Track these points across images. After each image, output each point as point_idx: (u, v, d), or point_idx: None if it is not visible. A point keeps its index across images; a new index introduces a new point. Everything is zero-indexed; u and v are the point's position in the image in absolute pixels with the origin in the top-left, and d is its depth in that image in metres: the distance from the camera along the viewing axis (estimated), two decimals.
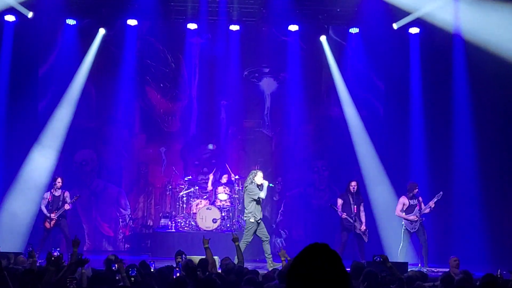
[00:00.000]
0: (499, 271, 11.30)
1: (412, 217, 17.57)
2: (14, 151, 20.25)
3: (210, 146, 21.87)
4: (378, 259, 10.54)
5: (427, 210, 17.61)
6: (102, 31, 21.17)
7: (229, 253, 13.24)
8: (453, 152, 20.57)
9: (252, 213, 16.05)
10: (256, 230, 16.18)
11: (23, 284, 8.64)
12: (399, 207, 17.84)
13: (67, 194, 18.37)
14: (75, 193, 19.19)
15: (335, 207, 18.00)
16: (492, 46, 19.41)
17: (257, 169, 17.66)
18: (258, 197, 16.14)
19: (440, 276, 10.30)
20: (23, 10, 20.03)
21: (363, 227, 17.86)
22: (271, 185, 16.73)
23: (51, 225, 17.91)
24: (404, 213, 17.69)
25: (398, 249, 17.67)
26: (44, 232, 18.09)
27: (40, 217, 18.49)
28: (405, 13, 20.38)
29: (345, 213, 17.82)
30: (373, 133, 21.42)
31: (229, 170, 20.78)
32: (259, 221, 16.24)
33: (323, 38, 21.64)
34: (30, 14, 20.14)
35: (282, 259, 12.24)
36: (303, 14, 21.09)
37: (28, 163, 20.25)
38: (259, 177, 16.26)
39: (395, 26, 20.80)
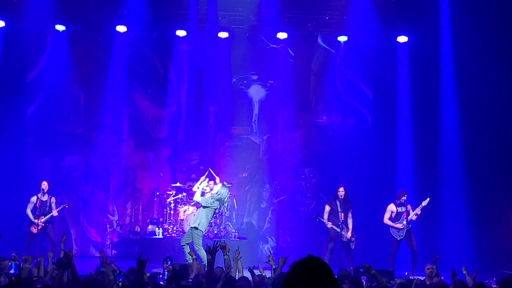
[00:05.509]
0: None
1: (398, 225, 17.66)
2: (2, 156, 20.21)
3: None
4: (361, 269, 10.59)
5: (414, 217, 17.70)
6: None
7: (216, 260, 13.23)
8: (440, 160, 20.71)
9: None
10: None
11: None
12: (387, 215, 17.90)
13: (53, 199, 18.38)
14: (62, 199, 19.20)
15: (321, 218, 18.00)
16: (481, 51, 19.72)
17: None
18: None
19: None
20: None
21: (349, 234, 17.87)
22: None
23: (38, 230, 17.88)
24: (391, 221, 17.78)
25: (386, 257, 17.75)
26: (30, 237, 18.06)
27: (25, 222, 18.44)
28: (393, 22, 20.57)
29: (330, 223, 17.86)
30: (361, 141, 21.53)
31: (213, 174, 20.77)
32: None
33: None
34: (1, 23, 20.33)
35: (272, 264, 12.19)
36: (292, 22, 21.16)
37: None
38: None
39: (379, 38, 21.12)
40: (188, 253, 15.78)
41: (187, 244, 16.57)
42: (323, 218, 17.98)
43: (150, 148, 22.11)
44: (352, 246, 17.94)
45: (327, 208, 18.11)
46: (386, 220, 17.89)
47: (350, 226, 17.96)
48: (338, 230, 17.73)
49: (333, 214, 17.93)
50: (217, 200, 16.83)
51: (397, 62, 21.32)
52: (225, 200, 17.12)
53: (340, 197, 17.90)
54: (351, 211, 18.12)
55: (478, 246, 19.53)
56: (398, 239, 17.73)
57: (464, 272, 11.67)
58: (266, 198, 22.05)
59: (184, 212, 20.18)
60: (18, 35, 20.46)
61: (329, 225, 17.85)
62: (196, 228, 16.62)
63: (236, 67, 22.14)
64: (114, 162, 21.97)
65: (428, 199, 17.67)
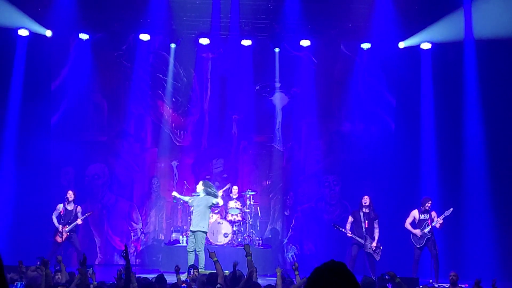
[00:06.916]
0: None
1: (417, 231, 17.49)
2: (27, 164, 20.31)
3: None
4: (386, 277, 10.55)
5: (437, 225, 17.54)
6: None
7: (240, 268, 13.22)
8: (465, 167, 20.55)
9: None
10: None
11: None
12: (409, 219, 17.75)
13: (79, 209, 18.39)
14: (87, 207, 19.26)
15: (339, 227, 17.87)
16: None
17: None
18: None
19: None
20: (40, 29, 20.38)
21: (374, 245, 17.71)
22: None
23: (62, 240, 17.91)
24: (411, 227, 17.64)
25: (409, 264, 17.64)
26: (54, 245, 18.09)
27: (50, 230, 18.49)
28: (416, 29, 20.53)
29: (350, 232, 17.74)
30: (384, 148, 21.43)
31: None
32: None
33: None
34: (48, 33, 20.47)
35: (296, 273, 12.17)
36: (315, 29, 21.12)
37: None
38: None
39: (401, 45, 20.97)
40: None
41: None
42: (342, 227, 17.85)
43: (174, 156, 22.14)
44: (377, 257, 17.76)
45: (350, 219, 17.97)
46: (407, 224, 17.74)
47: (376, 236, 17.80)
48: (362, 241, 17.59)
49: (356, 225, 17.79)
50: (207, 195, 16.84)
51: (420, 69, 21.21)
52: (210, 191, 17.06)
53: (364, 205, 17.77)
54: (377, 221, 17.96)
55: (502, 253, 19.38)
56: (418, 246, 17.57)
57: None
58: (289, 206, 22.01)
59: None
60: (42, 44, 20.56)
61: (349, 234, 17.74)
62: (204, 232, 16.79)
63: (259, 75, 22.14)
64: (138, 170, 22.04)
65: (451, 209, 17.49)
